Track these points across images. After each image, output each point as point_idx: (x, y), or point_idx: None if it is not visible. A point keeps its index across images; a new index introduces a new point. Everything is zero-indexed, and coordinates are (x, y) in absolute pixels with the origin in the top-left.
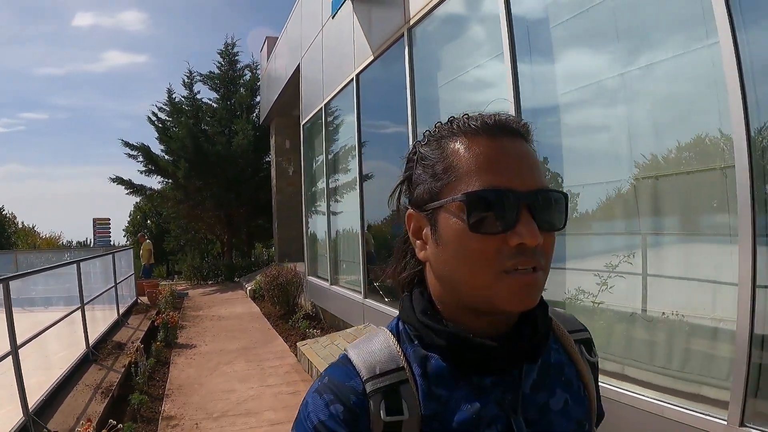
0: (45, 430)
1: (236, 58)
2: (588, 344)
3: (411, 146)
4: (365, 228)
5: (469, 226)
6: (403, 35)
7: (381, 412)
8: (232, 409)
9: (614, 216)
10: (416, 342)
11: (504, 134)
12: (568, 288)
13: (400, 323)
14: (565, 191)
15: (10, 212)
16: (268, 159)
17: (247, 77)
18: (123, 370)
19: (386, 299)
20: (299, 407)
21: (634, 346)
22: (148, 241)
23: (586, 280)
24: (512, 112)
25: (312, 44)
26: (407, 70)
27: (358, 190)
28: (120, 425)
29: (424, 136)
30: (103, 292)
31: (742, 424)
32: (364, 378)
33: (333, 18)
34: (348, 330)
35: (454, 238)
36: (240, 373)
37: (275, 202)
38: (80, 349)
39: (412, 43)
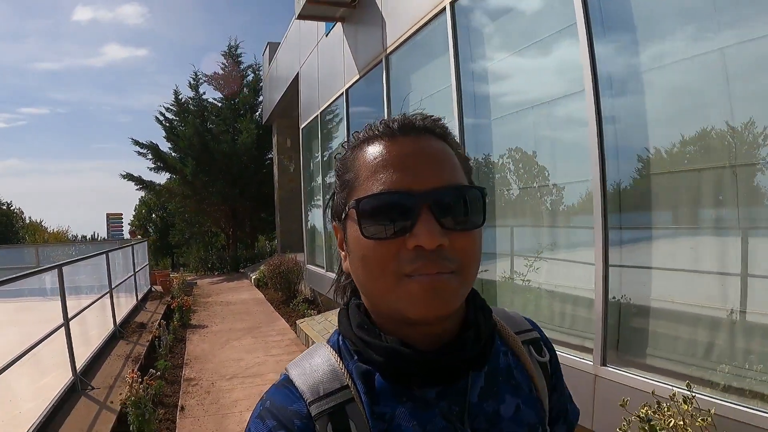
0: (89, 386)
1: (239, 59)
2: (536, 344)
3: None
4: None
5: (361, 233)
6: (381, 61)
7: None
8: (241, 373)
9: (527, 215)
10: (356, 357)
11: (406, 133)
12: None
13: (340, 338)
14: (481, 186)
15: (17, 208)
16: (270, 156)
17: (250, 78)
18: (147, 344)
19: None
20: None
21: (541, 312)
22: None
23: (518, 263)
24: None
25: (309, 57)
26: (385, 90)
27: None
28: (158, 372)
29: (342, 147)
30: (125, 279)
31: (603, 364)
32: (308, 401)
33: (327, 36)
34: (338, 309)
35: (355, 246)
36: (247, 347)
37: (277, 197)
38: (109, 328)
39: (389, 68)
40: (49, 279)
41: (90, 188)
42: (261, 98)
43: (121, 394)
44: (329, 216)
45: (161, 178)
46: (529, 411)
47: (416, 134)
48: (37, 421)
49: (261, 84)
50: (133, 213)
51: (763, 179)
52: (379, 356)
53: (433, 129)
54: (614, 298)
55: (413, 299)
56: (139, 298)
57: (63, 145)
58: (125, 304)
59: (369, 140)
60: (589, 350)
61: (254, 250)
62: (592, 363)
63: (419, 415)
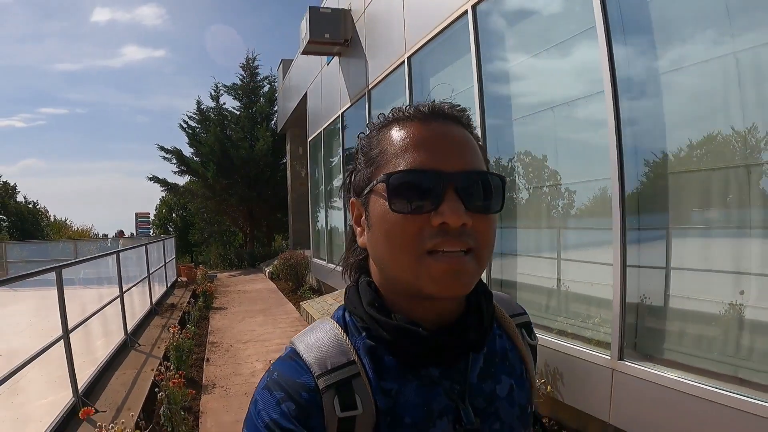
0: (137, 343)
1: (257, 71)
2: (528, 327)
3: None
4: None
5: (390, 206)
6: (365, 94)
7: (335, 407)
8: (253, 339)
9: None
10: (364, 334)
11: (436, 119)
12: None
13: (346, 314)
14: (501, 174)
15: (42, 207)
16: (284, 162)
17: (266, 89)
18: (178, 318)
19: None
20: (249, 405)
21: None
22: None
23: None
24: None
25: (314, 80)
26: (367, 118)
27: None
28: (193, 327)
29: (366, 127)
30: (158, 269)
31: None
32: (316, 374)
33: (328, 65)
34: (334, 292)
35: (379, 220)
36: (259, 322)
37: (290, 200)
38: (147, 306)
39: (370, 100)
40: (83, 270)
41: (109, 188)
42: (275, 108)
43: (161, 346)
44: (343, 192)
45: (182, 179)
46: (520, 392)
47: (444, 120)
48: (103, 362)
49: (276, 95)
50: (154, 212)
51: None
52: (389, 334)
53: (459, 118)
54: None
55: (433, 278)
56: (168, 285)
57: (82, 144)
58: (158, 289)
59: (398, 121)
60: None
61: (270, 248)
62: None
63: (424, 392)
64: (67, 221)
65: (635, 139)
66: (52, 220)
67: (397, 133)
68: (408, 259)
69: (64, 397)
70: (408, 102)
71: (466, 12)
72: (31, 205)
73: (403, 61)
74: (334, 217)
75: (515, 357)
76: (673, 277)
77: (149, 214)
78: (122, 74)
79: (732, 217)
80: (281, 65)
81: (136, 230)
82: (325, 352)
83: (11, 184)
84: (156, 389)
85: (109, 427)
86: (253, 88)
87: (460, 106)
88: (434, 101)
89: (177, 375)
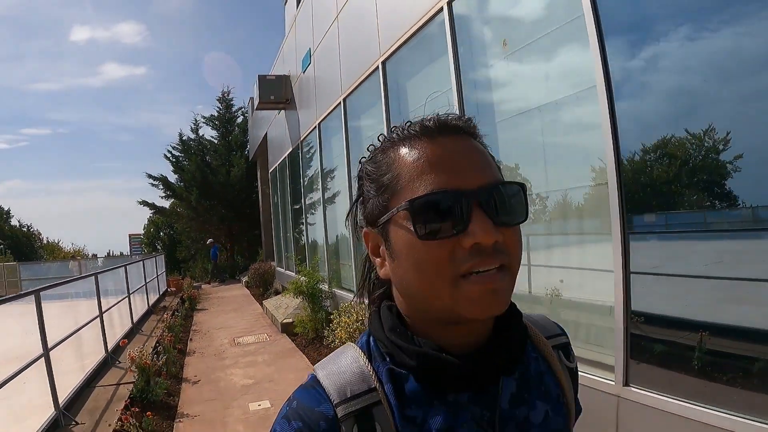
0: (141, 330)
1: (231, 102)
2: (566, 349)
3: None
4: (288, 239)
5: (417, 235)
6: (299, 144)
7: None
8: (225, 327)
9: None
10: (388, 359)
11: (444, 134)
12: None
13: (371, 339)
14: (521, 182)
15: (36, 229)
16: (257, 185)
17: (240, 120)
18: (170, 314)
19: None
20: None
21: None
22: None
23: None
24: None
25: (272, 122)
26: (300, 160)
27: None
28: (180, 319)
29: (368, 151)
30: (152, 279)
31: None
32: (335, 402)
33: (278, 114)
34: (285, 292)
35: (406, 249)
36: (231, 317)
37: (262, 219)
38: (145, 307)
39: (302, 148)
40: (87, 285)
41: (96, 207)
42: (248, 137)
43: (158, 330)
44: (350, 222)
45: (169, 202)
46: (557, 418)
47: (452, 133)
48: (119, 339)
49: (248, 125)
50: (142, 231)
51: None
52: (412, 360)
53: (466, 128)
54: None
55: (472, 301)
56: (160, 293)
57: (66, 164)
58: (152, 296)
59: (405, 141)
60: None
61: (254, 261)
62: None
63: (451, 419)
64: (60, 243)
65: None
66: (45, 242)
67: (408, 155)
68: (443, 285)
69: (98, 356)
70: (318, 158)
71: (339, 104)
72: (25, 229)
73: (316, 126)
74: (288, 235)
75: (551, 381)
76: None
77: (140, 234)
78: (104, 92)
79: None
80: (250, 101)
81: (130, 250)
82: (345, 379)
83: (5, 209)
84: (157, 345)
85: (135, 350)
86: (228, 119)
87: (465, 116)
88: (437, 114)
89: (170, 335)
